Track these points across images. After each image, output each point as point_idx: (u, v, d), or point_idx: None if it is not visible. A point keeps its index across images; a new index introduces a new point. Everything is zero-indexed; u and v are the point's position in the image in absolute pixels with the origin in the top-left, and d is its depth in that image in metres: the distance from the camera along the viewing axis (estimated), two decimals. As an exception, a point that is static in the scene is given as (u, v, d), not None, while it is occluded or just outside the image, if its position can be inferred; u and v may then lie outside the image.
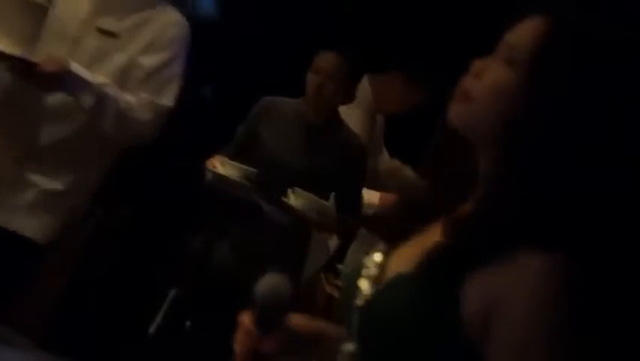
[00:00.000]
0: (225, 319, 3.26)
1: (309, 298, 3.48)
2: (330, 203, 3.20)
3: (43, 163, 2.74)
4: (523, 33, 1.23)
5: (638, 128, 1.18)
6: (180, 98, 2.82)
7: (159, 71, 2.75)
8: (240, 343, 1.31)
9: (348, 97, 3.35)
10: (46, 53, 2.59)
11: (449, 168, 1.35)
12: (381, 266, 1.30)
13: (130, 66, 2.73)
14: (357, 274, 1.31)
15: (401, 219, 1.36)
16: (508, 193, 1.18)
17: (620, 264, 1.17)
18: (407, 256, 1.26)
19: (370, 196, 3.72)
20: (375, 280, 1.29)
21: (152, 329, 3.32)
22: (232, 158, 3.25)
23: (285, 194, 3.14)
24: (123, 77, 2.72)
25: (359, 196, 3.39)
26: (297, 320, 1.31)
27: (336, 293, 3.45)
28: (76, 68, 2.60)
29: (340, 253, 3.52)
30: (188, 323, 3.32)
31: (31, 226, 2.73)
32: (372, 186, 3.78)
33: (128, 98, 2.69)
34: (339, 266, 3.60)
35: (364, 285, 1.29)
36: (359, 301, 1.28)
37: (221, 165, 3.20)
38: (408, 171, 4.04)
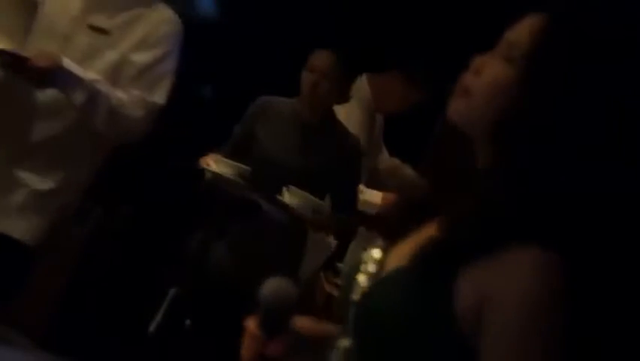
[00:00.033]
0: (224, 318, 3.29)
1: (309, 298, 3.48)
2: (325, 202, 3.20)
3: (33, 161, 2.72)
4: (522, 30, 1.24)
5: (635, 126, 1.19)
6: (180, 98, 2.82)
7: (151, 68, 2.73)
8: (246, 347, 1.31)
9: (343, 96, 3.35)
10: (37, 49, 2.58)
11: (449, 167, 1.36)
12: (380, 262, 1.31)
13: (121, 63, 2.72)
14: (356, 271, 1.32)
15: (401, 217, 1.36)
16: (504, 188, 1.18)
17: (615, 263, 1.18)
18: (405, 252, 1.26)
19: (372, 196, 3.73)
20: (372, 276, 1.30)
21: (151, 327, 3.32)
22: (228, 157, 3.25)
23: (280, 192, 3.14)
24: (115, 74, 2.71)
25: (354, 195, 3.38)
26: (302, 323, 1.32)
27: (335, 292, 3.45)
28: (68, 63, 2.59)
29: (340, 252, 3.52)
30: (187, 322, 3.32)
31: (19, 228, 2.70)
32: (372, 185, 3.78)
33: (120, 95, 2.67)
34: (339, 265, 3.60)
35: (362, 280, 1.29)
36: (355, 296, 1.29)
37: (215, 163, 3.20)
38: (407, 170, 4.04)
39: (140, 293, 3.79)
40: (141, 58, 2.72)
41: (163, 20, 2.78)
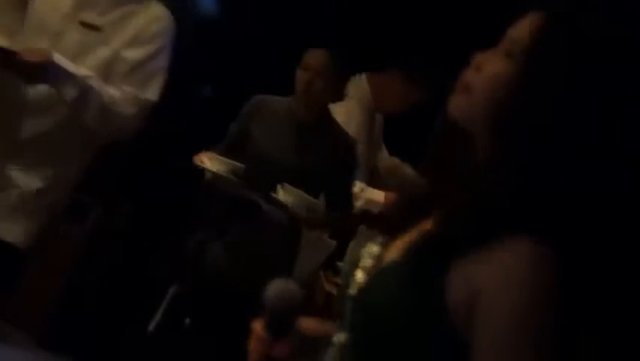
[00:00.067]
0: (224, 317, 3.29)
1: (309, 297, 3.49)
2: (320, 200, 3.19)
3: (23, 158, 2.70)
4: (523, 27, 1.25)
5: (633, 124, 1.19)
6: (180, 97, 2.81)
7: (143, 64, 2.72)
8: (252, 349, 1.33)
9: (338, 94, 3.35)
10: (27, 46, 2.57)
11: (448, 164, 1.36)
12: (378, 257, 1.32)
13: (113, 60, 2.70)
14: (355, 267, 1.33)
15: (401, 214, 1.37)
16: (500, 182, 1.19)
17: (609, 258, 1.18)
18: (401, 247, 1.27)
19: (375, 194, 3.73)
20: (370, 271, 1.30)
21: (151, 326, 3.32)
22: (223, 155, 3.25)
23: (275, 190, 3.13)
24: (107, 71, 2.69)
25: (349, 193, 3.38)
26: (307, 324, 1.33)
27: (335, 291, 3.45)
28: (59, 59, 2.57)
29: (340, 251, 3.53)
30: (187, 321, 3.32)
31: (11, 231, 2.69)
32: (372, 185, 3.79)
33: (112, 92, 2.66)
34: (339, 264, 3.61)
35: (359, 275, 1.30)
36: (352, 291, 1.30)
37: (209, 160, 3.20)
38: (407, 169, 4.05)
39: (139, 292, 3.79)
40: (133, 54, 2.71)
41: (155, 17, 2.77)
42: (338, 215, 3.30)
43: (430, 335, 1.18)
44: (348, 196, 3.37)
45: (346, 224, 3.38)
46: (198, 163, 3.19)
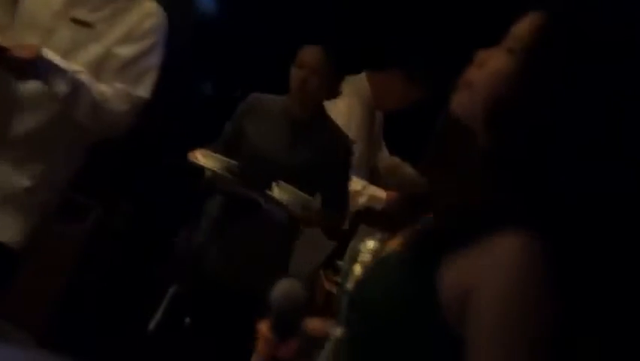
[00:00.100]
0: (224, 316, 3.28)
1: (309, 296, 3.48)
2: (315, 198, 3.19)
3: (13, 154, 2.68)
4: (524, 25, 1.26)
5: (631, 124, 1.19)
6: (181, 95, 2.80)
7: (136, 61, 2.70)
8: (258, 350, 1.33)
9: (333, 91, 3.34)
10: (18, 42, 2.55)
11: (449, 164, 1.36)
12: (376, 252, 1.32)
13: (105, 57, 2.68)
14: (353, 262, 1.33)
15: (402, 211, 1.37)
16: (496, 177, 1.19)
17: (605, 256, 1.18)
18: (400, 242, 1.27)
19: (378, 191, 3.74)
20: (367, 265, 1.31)
21: (151, 325, 3.32)
22: (218, 154, 3.24)
23: (270, 188, 3.13)
24: (99, 68, 2.67)
25: (344, 191, 3.37)
26: (313, 324, 1.33)
27: (335, 290, 3.45)
28: (49, 54, 2.55)
29: (340, 250, 3.52)
30: (187, 320, 3.32)
31: (2, 230, 2.67)
32: (372, 184, 3.79)
33: (103, 89, 2.64)
34: (339, 263, 3.60)
35: (356, 270, 1.31)
36: (349, 285, 1.30)
37: (203, 157, 3.19)
38: (407, 169, 4.05)
39: (139, 291, 3.79)
40: (125, 51, 2.69)
41: (148, 13, 2.75)
42: (333, 213, 3.30)
43: (423, 329, 1.19)
44: (344, 194, 3.36)
45: (340, 221, 3.37)
46: (192, 160, 3.19)
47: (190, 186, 3.38)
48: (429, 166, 1.41)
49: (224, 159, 3.18)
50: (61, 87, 2.56)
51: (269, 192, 3.12)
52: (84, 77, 2.61)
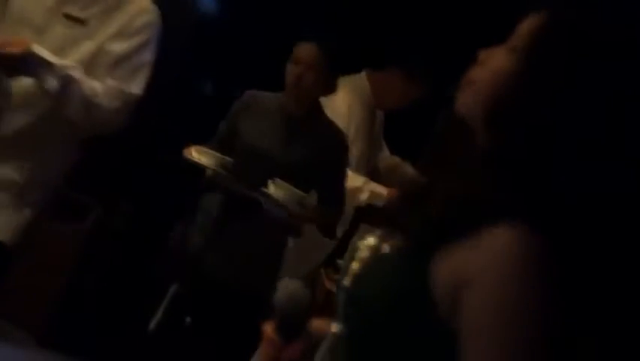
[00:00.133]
0: (224, 316, 3.28)
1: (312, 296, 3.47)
2: (311, 195, 3.18)
3: (4, 151, 2.66)
4: (527, 24, 1.27)
5: (630, 122, 1.20)
6: (181, 95, 2.79)
7: (128, 57, 2.69)
8: (263, 352, 1.33)
9: (329, 88, 3.33)
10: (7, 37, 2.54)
11: (448, 163, 1.36)
12: (374, 249, 1.32)
13: (98, 53, 2.67)
14: (352, 259, 1.33)
15: (402, 208, 1.37)
16: (494, 174, 1.20)
17: (600, 253, 1.19)
18: (397, 238, 1.27)
19: (379, 188, 3.74)
20: (365, 262, 1.31)
21: (152, 325, 3.32)
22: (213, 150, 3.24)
23: (265, 185, 3.12)
24: (92, 65, 2.66)
25: (340, 188, 3.36)
26: (317, 325, 1.33)
27: (335, 289, 3.44)
28: (39, 50, 2.54)
29: (341, 248, 3.52)
30: (188, 320, 3.31)
31: None
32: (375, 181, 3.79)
33: (95, 85, 2.63)
34: (339, 262, 3.60)
35: (354, 266, 1.31)
36: (346, 282, 1.30)
37: (197, 153, 3.18)
38: (407, 168, 4.05)
39: (139, 291, 3.79)
40: (118, 47, 2.68)
41: (141, 10, 2.74)
42: (329, 210, 3.29)
43: (418, 325, 1.19)
44: (340, 190, 3.35)
45: (337, 219, 3.36)
46: (187, 156, 3.18)
47: (186, 182, 3.37)
48: (428, 166, 1.41)
49: (219, 155, 3.17)
50: (52, 83, 2.55)
51: (264, 190, 3.11)
52: (75, 73, 2.59)
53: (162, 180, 4.43)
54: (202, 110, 4.61)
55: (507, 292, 1.13)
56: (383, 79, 3.85)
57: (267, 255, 3.28)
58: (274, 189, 3.10)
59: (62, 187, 2.96)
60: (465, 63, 1.31)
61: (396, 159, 4.14)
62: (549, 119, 1.18)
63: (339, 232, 3.48)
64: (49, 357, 3.40)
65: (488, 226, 1.15)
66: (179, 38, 2.87)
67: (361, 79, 3.87)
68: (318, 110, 3.35)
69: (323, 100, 3.39)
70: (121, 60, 2.68)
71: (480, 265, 1.14)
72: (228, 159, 3.17)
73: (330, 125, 3.35)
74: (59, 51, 2.62)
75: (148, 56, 2.73)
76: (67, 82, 2.56)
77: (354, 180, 3.62)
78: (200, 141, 3.32)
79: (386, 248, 1.29)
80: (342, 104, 3.71)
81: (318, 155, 3.25)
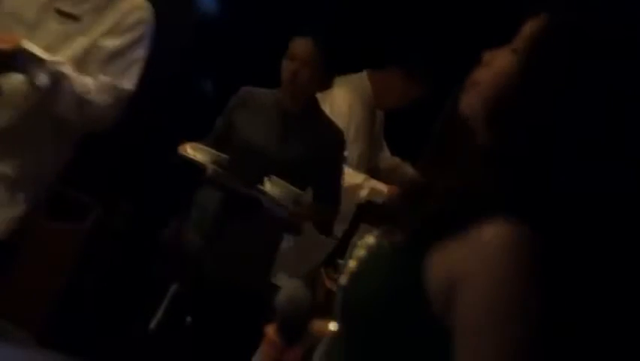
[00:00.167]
0: (225, 315, 3.28)
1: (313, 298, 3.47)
2: (307, 192, 3.18)
3: None
4: (528, 26, 1.27)
5: (630, 122, 1.20)
6: (181, 94, 2.79)
7: (121, 53, 2.68)
8: (264, 355, 1.34)
9: (325, 84, 3.32)
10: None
11: (448, 163, 1.36)
12: (372, 247, 1.32)
13: (91, 49, 2.66)
14: (350, 258, 1.34)
15: (402, 206, 1.37)
16: (495, 173, 1.20)
17: (598, 251, 1.19)
18: (394, 236, 1.28)
19: (378, 185, 3.73)
20: (362, 260, 1.31)
21: (152, 324, 3.31)
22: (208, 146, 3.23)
23: (262, 182, 3.12)
24: (84, 61, 2.65)
25: (337, 185, 3.36)
26: (318, 326, 1.34)
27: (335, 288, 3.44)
28: (30, 46, 2.52)
29: (341, 248, 3.52)
30: (188, 319, 3.31)
31: None
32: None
33: (86, 81, 2.62)
34: (340, 261, 3.60)
35: (351, 265, 1.31)
36: (342, 280, 1.30)
37: (192, 150, 3.17)
38: (407, 169, 4.04)
39: (139, 291, 3.78)
40: (111, 43, 2.67)
41: (134, 7, 2.73)
42: (325, 207, 3.29)
43: (412, 322, 1.20)
44: (336, 188, 3.34)
45: (333, 216, 3.36)
46: (182, 153, 3.17)
47: (182, 178, 3.36)
48: (428, 165, 1.41)
49: (214, 152, 3.16)
50: (43, 80, 2.54)
51: (261, 187, 3.11)
52: (66, 70, 2.58)
53: (162, 180, 4.43)
54: (203, 109, 4.61)
55: (501, 288, 1.13)
56: (383, 78, 3.85)
57: (266, 254, 3.28)
58: (270, 186, 3.10)
59: (62, 187, 2.96)
60: (465, 63, 1.31)
61: (397, 160, 4.14)
62: (550, 120, 1.19)
63: (340, 231, 3.47)
64: (49, 357, 3.41)
65: (485, 219, 1.15)
66: (179, 37, 2.86)
67: (362, 79, 3.87)
68: (315, 106, 3.34)
69: (323, 99, 3.39)
70: (114, 56, 2.67)
71: (474, 261, 1.15)
72: (223, 155, 3.16)
73: (326, 121, 3.34)
74: (52, 47, 2.61)
75: (141, 52, 2.73)
76: (58, 78, 2.56)
77: (354, 177, 3.62)
78: (200, 139, 3.31)
79: (383, 246, 1.29)
80: (343, 104, 3.70)
81: (315, 152, 3.24)
